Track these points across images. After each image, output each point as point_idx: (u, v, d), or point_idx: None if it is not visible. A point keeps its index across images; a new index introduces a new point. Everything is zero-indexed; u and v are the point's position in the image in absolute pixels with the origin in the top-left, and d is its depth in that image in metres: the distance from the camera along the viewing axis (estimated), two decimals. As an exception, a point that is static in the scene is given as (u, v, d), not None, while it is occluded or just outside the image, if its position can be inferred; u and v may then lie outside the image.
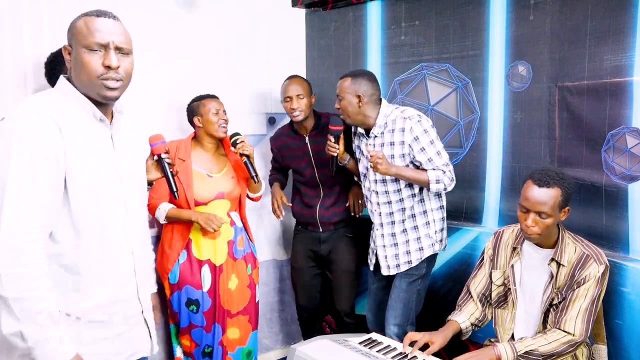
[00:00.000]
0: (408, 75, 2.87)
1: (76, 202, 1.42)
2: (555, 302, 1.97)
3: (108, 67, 1.41)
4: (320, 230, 2.87)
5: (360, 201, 2.84)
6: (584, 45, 2.22)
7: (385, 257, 2.55)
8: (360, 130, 2.54)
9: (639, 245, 2.14)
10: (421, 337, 2.06)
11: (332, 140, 2.52)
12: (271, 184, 2.98)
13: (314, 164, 2.81)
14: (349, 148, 2.67)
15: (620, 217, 2.17)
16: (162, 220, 2.51)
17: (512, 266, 2.08)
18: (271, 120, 3.23)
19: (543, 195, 1.87)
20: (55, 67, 2.17)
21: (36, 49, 2.37)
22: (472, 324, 2.18)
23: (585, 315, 1.90)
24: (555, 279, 1.96)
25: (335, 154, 2.54)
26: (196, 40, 2.88)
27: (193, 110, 2.57)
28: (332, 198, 2.85)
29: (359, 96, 2.42)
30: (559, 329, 1.92)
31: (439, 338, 2.06)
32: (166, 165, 1.98)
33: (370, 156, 2.35)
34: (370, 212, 2.60)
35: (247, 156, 2.48)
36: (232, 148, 2.51)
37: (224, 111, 2.58)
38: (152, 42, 2.65)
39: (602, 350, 2.06)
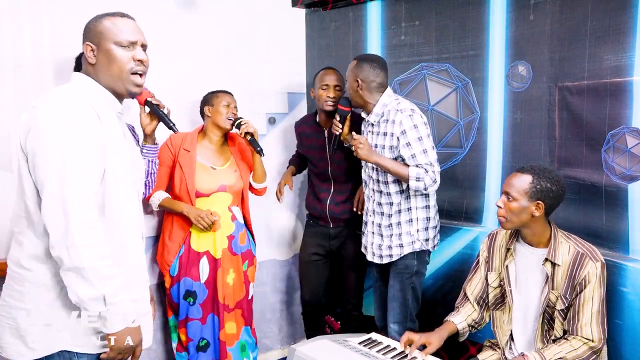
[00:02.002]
0: (408, 75, 2.87)
1: (110, 191, 1.55)
2: (559, 306, 1.96)
3: (139, 61, 1.59)
4: (331, 225, 2.88)
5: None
6: (584, 45, 2.22)
7: (372, 244, 2.57)
8: (363, 114, 2.56)
9: (639, 245, 2.14)
10: (418, 338, 2.07)
11: (338, 119, 2.55)
12: (289, 164, 3.02)
13: (328, 158, 2.81)
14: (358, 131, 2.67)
15: (620, 217, 2.16)
16: (155, 207, 2.57)
17: (507, 267, 2.08)
18: (271, 120, 3.23)
19: (514, 178, 1.97)
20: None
21: (36, 49, 2.37)
22: (469, 325, 2.18)
23: (598, 317, 1.91)
24: (552, 279, 1.96)
25: (338, 133, 2.56)
26: (196, 40, 2.88)
27: (206, 101, 2.64)
28: (344, 195, 2.85)
29: (357, 81, 2.45)
30: (578, 335, 1.92)
31: (435, 339, 2.07)
32: (156, 108, 2.06)
33: (353, 139, 2.39)
34: (367, 197, 2.62)
35: (252, 134, 2.54)
36: (235, 130, 2.57)
37: (235, 107, 2.64)
38: (152, 42, 2.62)
39: (602, 350, 2.06)
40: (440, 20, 2.72)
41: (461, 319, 2.17)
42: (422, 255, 2.53)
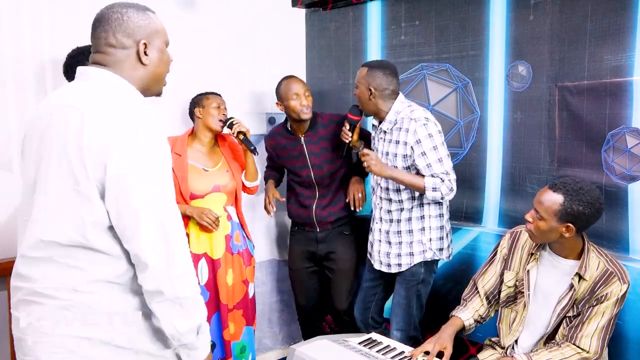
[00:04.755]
0: (408, 75, 2.86)
1: None
2: (570, 314, 1.93)
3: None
4: (318, 229, 2.86)
5: (360, 195, 2.78)
6: (584, 45, 2.22)
7: (379, 252, 2.55)
8: (374, 122, 2.54)
9: (639, 245, 2.14)
10: (432, 346, 2.01)
11: (347, 127, 2.54)
12: (266, 181, 2.98)
13: (309, 164, 2.79)
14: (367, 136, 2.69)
15: (620, 217, 2.16)
16: None
17: (528, 271, 2.02)
18: (271, 120, 3.23)
19: (545, 196, 1.86)
20: (76, 63, 2.12)
21: (36, 50, 2.37)
22: (475, 321, 2.14)
23: (602, 333, 1.86)
24: (576, 291, 1.91)
25: (347, 142, 2.56)
26: (196, 40, 2.88)
27: (196, 102, 2.64)
28: (328, 197, 2.84)
29: (370, 89, 2.41)
30: (574, 344, 1.89)
31: (447, 342, 2.03)
32: None
33: (363, 155, 2.36)
34: (374, 204, 2.59)
35: (244, 134, 2.55)
36: (228, 130, 2.59)
37: (225, 108, 2.65)
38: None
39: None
40: (440, 20, 2.72)
41: (469, 315, 2.13)
42: (430, 265, 2.50)
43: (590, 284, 1.89)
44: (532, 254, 2.03)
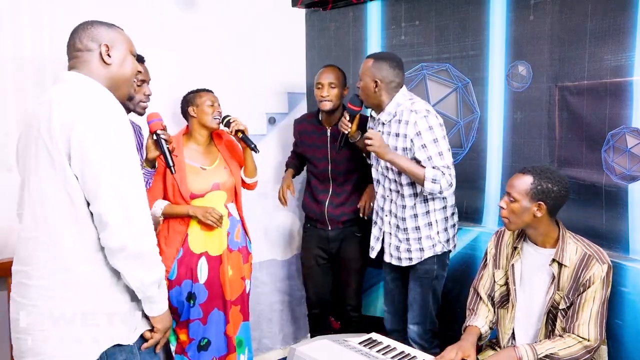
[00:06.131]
0: (408, 75, 2.86)
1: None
2: (562, 306, 1.95)
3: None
4: (329, 228, 2.86)
5: (372, 203, 2.79)
6: (584, 45, 2.22)
7: (390, 245, 2.52)
8: (373, 114, 2.51)
9: (639, 245, 2.14)
10: (454, 354, 1.99)
11: (347, 118, 2.51)
12: (286, 168, 2.98)
13: (329, 158, 2.78)
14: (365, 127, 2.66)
15: (620, 217, 2.17)
16: (159, 215, 2.54)
17: (513, 266, 2.07)
18: (271, 120, 3.23)
19: (516, 180, 1.98)
20: None
21: (36, 50, 2.37)
22: (489, 327, 2.16)
23: (597, 318, 1.90)
24: (558, 279, 1.96)
25: (346, 132, 2.53)
26: (196, 41, 2.88)
27: (188, 101, 2.61)
28: (342, 197, 2.83)
29: (375, 81, 2.37)
30: (574, 334, 1.92)
31: (469, 349, 2.02)
32: (163, 142, 2.12)
33: (366, 136, 2.33)
34: (382, 197, 2.54)
35: (242, 131, 2.53)
36: (225, 128, 2.56)
37: (219, 105, 2.62)
38: (152, 42, 2.65)
39: (602, 350, 2.05)
40: (440, 20, 2.72)
41: (482, 322, 2.14)
42: (442, 259, 2.48)
43: (572, 270, 1.93)
44: (514, 247, 2.08)
